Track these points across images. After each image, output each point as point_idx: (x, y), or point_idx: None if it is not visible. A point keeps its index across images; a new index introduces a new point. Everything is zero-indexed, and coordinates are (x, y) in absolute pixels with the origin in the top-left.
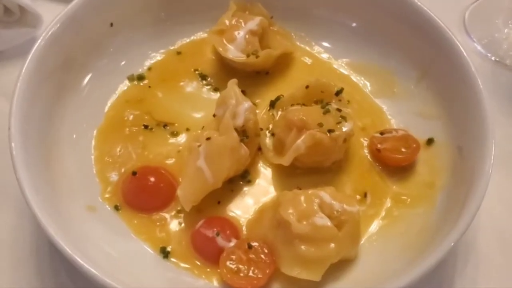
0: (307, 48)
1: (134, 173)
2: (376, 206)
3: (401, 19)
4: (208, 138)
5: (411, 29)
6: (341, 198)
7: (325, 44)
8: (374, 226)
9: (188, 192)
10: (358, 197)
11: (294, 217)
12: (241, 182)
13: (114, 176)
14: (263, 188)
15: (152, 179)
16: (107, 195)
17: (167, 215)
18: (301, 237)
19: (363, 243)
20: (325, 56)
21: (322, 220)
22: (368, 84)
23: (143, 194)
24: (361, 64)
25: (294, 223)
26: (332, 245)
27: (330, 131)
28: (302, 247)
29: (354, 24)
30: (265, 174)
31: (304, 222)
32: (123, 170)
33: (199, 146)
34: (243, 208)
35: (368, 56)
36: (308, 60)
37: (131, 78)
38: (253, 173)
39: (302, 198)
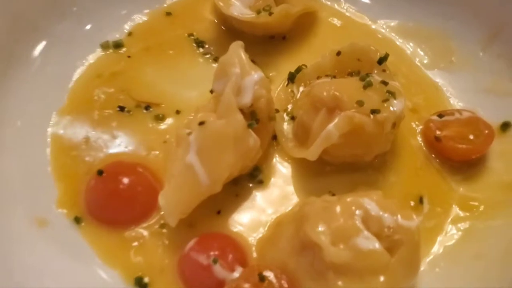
0: (336, 6)
1: (100, 172)
2: (437, 216)
3: None
4: (201, 123)
5: None
6: (393, 208)
7: None
8: (437, 246)
9: (174, 200)
10: (411, 203)
11: (326, 238)
12: (250, 184)
13: (75, 179)
14: (279, 192)
15: (126, 180)
16: (64, 204)
17: (145, 232)
18: (337, 267)
19: (422, 270)
20: (360, 16)
21: (368, 242)
22: (418, 51)
23: (113, 201)
24: (408, 25)
25: (327, 247)
26: (382, 278)
27: (374, 111)
28: (339, 283)
29: None
30: (282, 173)
31: (342, 246)
32: (87, 169)
33: (189, 134)
34: (252, 220)
35: (417, 15)
36: (337, 22)
37: (105, 46)
38: (266, 171)
39: (338, 208)
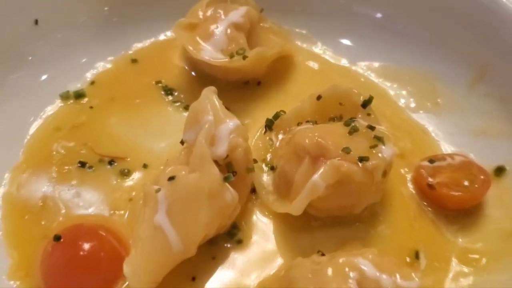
0: (312, 49)
1: (57, 238)
2: (436, 271)
3: (445, 3)
4: (171, 178)
5: (461, 16)
6: (391, 267)
7: (340, 41)
8: None
9: (142, 267)
10: (407, 259)
11: None
12: (227, 244)
13: (29, 245)
14: (261, 253)
15: (86, 246)
16: (17, 276)
17: None
18: None
19: None
20: (338, 58)
21: None
22: (402, 93)
23: (72, 270)
24: (390, 67)
25: None
26: None
27: (362, 159)
28: None
29: (378, 15)
30: (263, 230)
31: None
32: (44, 233)
33: (157, 191)
34: (231, 287)
35: (399, 56)
36: (314, 65)
37: (65, 96)
38: (245, 229)
39: (330, 271)
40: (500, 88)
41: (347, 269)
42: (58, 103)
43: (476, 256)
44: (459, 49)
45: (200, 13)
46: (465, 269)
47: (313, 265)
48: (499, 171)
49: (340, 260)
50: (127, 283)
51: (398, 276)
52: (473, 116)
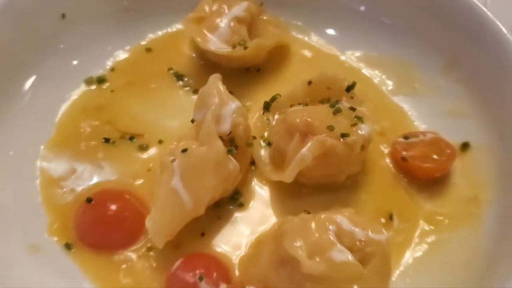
0: (306, 39)
1: (89, 200)
2: (406, 230)
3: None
4: (184, 150)
5: (435, 10)
6: (364, 223)
7: (330, 32)
8: (406, 258)
9: (161, 222)
10: (382, 220)
11: (303, 252)
12: (230, 207)
13: (64, 207)
14: (259, 213)
15: (113, 207)
16: (55, 231)
17: (133, 255)
18: (314, 278)
19: (394, 281)
20: (329, 48)
21: (341, 255)
22: (385, 79)
23: (102, 227)
24: (374, 55)
25: (304, 261)
26: (356, 287)
27: (343, 135)
28: None
29: (362, 8)
30: (261, 195)
31: (318, 259)
32: (76, 197)
33: (173, 161)
34: (235, 241)
35: (381, 46)
36: (307, 53)
37: (88, 81)
38: (245, 194)
39: (313, 225)
40: (469, 74)
41: (327, 223)
42: (83, 87)
43: (441, 218)
44: (434, 39)
45: (207, 8)
46: (431, 228)
47: (300, 221)
48: (464, 146)
49: (322, 217)
50: (148, 236)
51: (369, 230)
52: (444, 99)
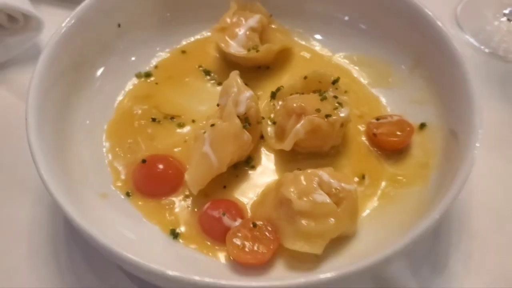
0: (305, 43)
1: (143, 161)
2: (374, 186)
3: (393, 11)
4: (212, 125)
5: (403, 21)
6: (339, 177)
7: (323, 37)
8: (372, 205)
9: (195, 176)
10: (356, 179)
11: (295, 195)
12: (245, 168)
13: (124, 166)
14: (266, 172)
15: (161, 166)
16: (118, 184)
17: (175, 199)
18: (302, 213)
19: (362, 221)
20: (323, 50)
21: (321, 197)
22: (365, 75)
23: (153, 180)
24: (357, 56)
25: (295, 200)
26: (332, 220)
27: (327, 116)
28: (303, 222)
29: (346, 18)
30: (267, 160)
31: (305, 199)
32: (133, 159)
33: (204, 133)
34: (248, 191)
35: (363, 49)
36: (306, 55)
37: (138, 75)
38: (256, 159)
39: (302, 177)
40: (430, 71)
41: (312, 176)
42: (134, 80)
43: (400, 178)
44: (404, 43)
45: (228, 20)
46: (393, 185)
47: (293, 175)
48: (422, 126)
49: (309, 171)
50: (186, 187)
51: (343, 182)
52: (411, 90)
